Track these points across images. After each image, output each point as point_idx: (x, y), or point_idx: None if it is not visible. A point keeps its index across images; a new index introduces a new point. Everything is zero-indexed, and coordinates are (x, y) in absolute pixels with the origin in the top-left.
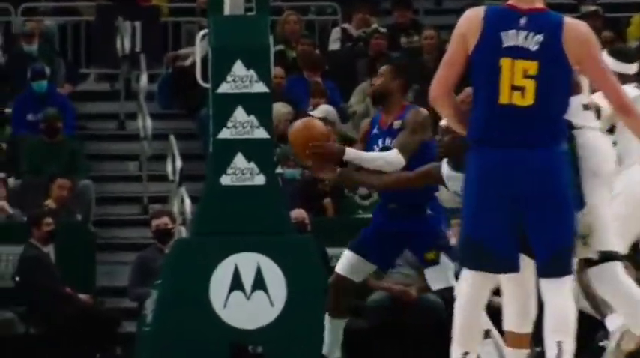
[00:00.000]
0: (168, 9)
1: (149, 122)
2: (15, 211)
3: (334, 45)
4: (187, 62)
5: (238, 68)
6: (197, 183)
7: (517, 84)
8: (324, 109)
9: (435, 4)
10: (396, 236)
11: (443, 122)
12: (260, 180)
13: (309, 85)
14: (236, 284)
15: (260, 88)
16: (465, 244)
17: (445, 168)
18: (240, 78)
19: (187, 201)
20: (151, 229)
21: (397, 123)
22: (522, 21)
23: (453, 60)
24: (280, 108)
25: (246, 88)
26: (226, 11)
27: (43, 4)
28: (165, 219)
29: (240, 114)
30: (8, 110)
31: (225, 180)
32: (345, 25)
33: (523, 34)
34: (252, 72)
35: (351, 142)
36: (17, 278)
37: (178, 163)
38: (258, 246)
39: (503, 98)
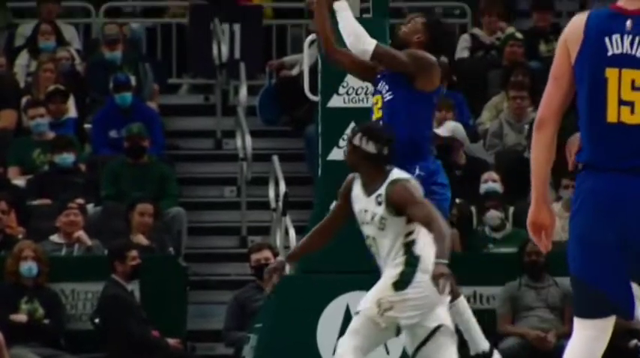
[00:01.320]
0: (272, 10)
1: (249, 141)
2: (94, 243)
3: (462, 53)
4: (294, 71)
5: (352, 79)
6: (303, 211)
7: (625, 98)
8: (451, 126)
9: (579, 5)
10: None
11: (348, 132)
12: None
13: None
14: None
15: None
16: (574, 288)
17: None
18: (355, 90)
19: (292, 232)
20: (250, 264)
21: None
22: (628, 23)
23: (557, 72)
24: None
25: (361, 101)
26: None
27: (128, 4)
28: (267, 253)
29: None
30: (87, 126)
31: None
32: (475, 30)
33: (628, 38)
34: (367, 83)
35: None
36: (97, 320)
37: (282, 188)
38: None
39: (611, 116)
